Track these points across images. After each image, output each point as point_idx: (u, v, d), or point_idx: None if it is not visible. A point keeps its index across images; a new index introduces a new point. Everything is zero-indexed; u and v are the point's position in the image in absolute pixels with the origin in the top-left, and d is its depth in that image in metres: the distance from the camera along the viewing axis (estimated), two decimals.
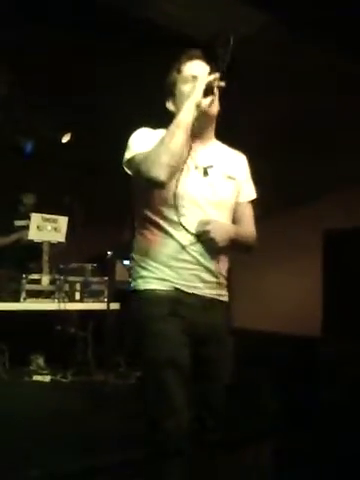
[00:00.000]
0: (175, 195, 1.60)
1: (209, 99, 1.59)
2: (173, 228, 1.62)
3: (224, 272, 1.73)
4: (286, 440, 2.73)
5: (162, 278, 1.62)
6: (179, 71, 1.68)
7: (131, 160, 1.62)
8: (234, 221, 1.77)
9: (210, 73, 1.60)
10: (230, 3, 3.42)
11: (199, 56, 1.69)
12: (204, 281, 1.65)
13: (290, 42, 3.67)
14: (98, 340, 4.08)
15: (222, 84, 1.58)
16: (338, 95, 4.04)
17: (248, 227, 1.79)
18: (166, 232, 1.63)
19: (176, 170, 1.55)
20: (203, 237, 1.62)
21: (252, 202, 1.82)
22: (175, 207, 1.61)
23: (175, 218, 1.62)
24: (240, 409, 2.96)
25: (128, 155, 1.63)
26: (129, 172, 1.64)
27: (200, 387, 1.65)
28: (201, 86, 1.57)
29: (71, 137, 5.24)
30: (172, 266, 1.62)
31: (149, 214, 1.66)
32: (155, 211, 1.64)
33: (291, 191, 4.77)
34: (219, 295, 1.70)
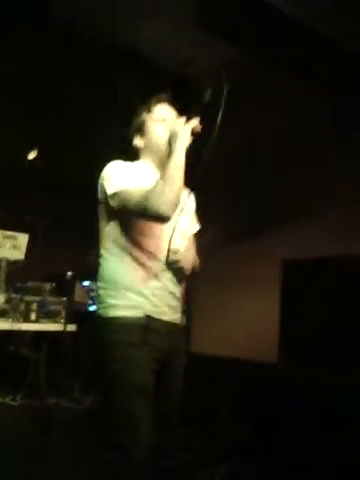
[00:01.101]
0: (151, 227, 1.69)
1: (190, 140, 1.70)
2: (145, 256, 1.69)
3: (183, 296, 1.82)
4: (240, 466, 2.70)
5: (132, 305, 1.66)
6: (149, 111, 1.80)
7: (117, 194, 1.66)
8: None
9: (190, 114, 1.69)
10: (200, 35, 3.53)
11: (167, 100, 1.82)
12: (170, 306, 1.73)
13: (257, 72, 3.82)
14: (52, 362, 3.96)
15: (198, 129, 1.69)
16: (300, 122, 4.20)
17: (194, 254, 1.92)
18: (138, 260, 1.69)
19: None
20: (173, 265, 1.71)
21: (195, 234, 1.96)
22: (149, 237, 1.70)
23: (148, 248, 1.70)
24: (195, 434, 2.92)
25: (113, 189, 1.67)
26: (113, 204, 1.66)
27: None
28: (189, 131, 1.67)
29: (37, 154, 5.20)
30: (142, 293, 1.67)
31: (123, 243, 1.70)
32: (130, 240, 1.70)
33: (251, 220, 4.86)
34: (179, 319, 1.78)
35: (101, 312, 1.70)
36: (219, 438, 3.11)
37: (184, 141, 1.66)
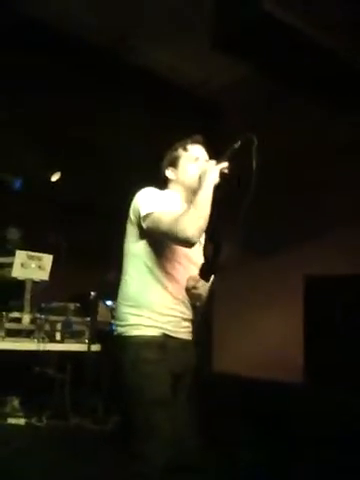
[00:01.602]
0: (179, 255, 1.87)
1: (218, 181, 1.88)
2: (168, 280, 1.85)
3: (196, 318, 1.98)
4: None
5: (152, 325, 1.81)
6: (185, 149, 2.00)
7: (150, 216, 1.81)
8: None
9: (218, 162, 1.87)
10: (214, 54, 3.59)
11: (202, 141, 2.02)
12: (184, 327, 1.90)
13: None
14: (76, 383, 3.98)
15: (226, 171, 1.87)
16: (320, 141, 4.20)
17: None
18: (162, 284, 1.84)
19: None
20: (192, 291, 1.87)
21: None
22: (173, 263, 1.86)
23: (171, 272, 1.86)
24: (217, 458, 2.89)
25: (147, 210, 1.82)
26: (145, 225, 1.82)
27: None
28: (217, 170, 1.85)
29: (61, 176, 5.31)
30: (163, 314, 1.83)
31: (148, 265, 1.85)
32: (155, 264, 1.85)
33: (274, 238, 4.85)
34: (191, 337, 1.96)
35: (122, 330, 1.84)
36: (238, 460, 3.08)
37: (212, 179, 1.82)
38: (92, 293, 4.39)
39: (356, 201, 4.22)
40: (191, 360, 1.95)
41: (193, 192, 1.87)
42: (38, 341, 3.95)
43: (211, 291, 2.00)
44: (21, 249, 4.30)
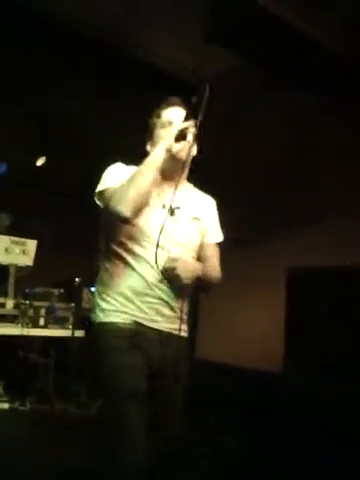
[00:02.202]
0: (143, 232, 1.67)
1: (181, 144, 1.65)
2: (138, 263, 1.67)
3: (185, 308, 1.75)
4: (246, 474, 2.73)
5: (122, 311, 1.66)
6: (158, 116, 1.78)
7: (102, 193, 1.68)
8: (200, 260, 1.83)
9: (185, 120, 1.66)
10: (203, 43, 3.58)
11: (178, 103, 1.77)
12: (163, 315, 1.70)
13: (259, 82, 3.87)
14: (60, 368, 4.01)
15: (194, 131, 1.63)
16: (303, 132, 4.24)
17: (212, 267, 1.84)
18: (130, 266, 1.68)
19: (141, 207, 1.62)
20: (168, 273, 1.65)
21: (219, 244, 1.89)
22: (141, 243, 1.67)
23: (140, 253, 1.67)
24: (200, 445, 2.96)
25: (100, 188, 1.69)
26: (100, 204, 1.70)
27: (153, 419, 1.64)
28: (173, 131, 1.65)
29: (46, 161, 5.27)
30: (133, 300, 1.66)
31: (115, 247, 1.71)
32: (121, 245, 1.69)
33: (256, 229, 4.91)
34: (177, 329, 1.72)
35: (93, 317, 1.71)
36: (223, 447, 3.15)
37: (166, 141, 1.64)
38: (77, 279, 4.40)
39: (340, 193, 4.28)
40: (178, 355, 1.72)
41: (174, 164, 1.68)
42: (22, 326, 3.96)
43: (199, 273, 1.74)
44: (7, 235, 4.27)
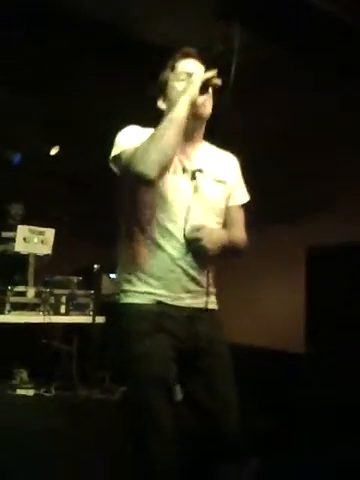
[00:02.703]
0: (163, 199, 1.52)
1: (204, 97, 1.54)
2: (161, 236, 1.53)
3: (211, 280, 1.64)
4: (268, 456, 2.73)
5: (146, 291, 1.54)
6: (173, 68, 1.61)
7: (118, 157, 1.52)
8: (224, 225, 1.70)
9: (206, 71, 1.55)
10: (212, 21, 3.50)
11: (194, 55, 1.62)
12: (189, 291, 1.57)
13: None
14: (83, 354, 4.05)
15: (218, 82, 1.52)
16: (323, 112, 4.14)
17: (238, 232, 1.71)
18: (153, 240, 1.54)
19: (167, 168, 1.46)
20: (194, 244, 1.52)
21: (244, 206, 1.75)
22: (165, 213, 1.53)
23: (163, 224, 1.53)
24: None
25: (115, 151, 1.53)
26: (115, 170, 1.55)
27: (203, 403, 1.57)
28: (198, 82, 1.50)
29: (60, 149, 5.26)
30: (158, 278, 1.54)
31: (134, 220, 1.56)
32: (141, 217, 1.55)
33: (276, 208, 4.84)
34: (206, 303, 1.60)
35: (117, 297, 1.60)
36: (246, 428, 3.15)
37: (189, 94, 1.48)
38: (95, 266, 4.41)
39: (357, 169, 4.19)
40: (210, 331, 1.60)
41: (193, 121, 1.54)
42: (43, 314, 4.00)
43: (238, 242, 1.66)
44: (24, 224, 4.30)
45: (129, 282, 1.56)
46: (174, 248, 1.53)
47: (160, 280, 1.53)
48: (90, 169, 5.27)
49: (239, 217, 1.73)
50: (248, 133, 4.47)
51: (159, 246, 1.53)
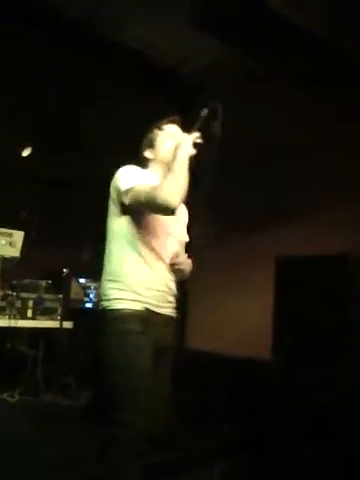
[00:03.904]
0: (160, 230, 1.91)
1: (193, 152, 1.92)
2: (151, 255, 1.89)
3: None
4: (234, 462, 2.75)
5: (136, 299, 1.85)
6: (160, 129, 2.06)
7: (131, 189, 1.84)
8: None
9: (191, 132, 1.92)
10: (195, 32, 3.55)
11: (177, 121, 2.06)
12: (168, 302, 1.96)
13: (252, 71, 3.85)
14: (48, 359, 3.99)
15: (200, 141, 1.92)
16: (293, 123, 4.24)
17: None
18: (145, 258, 1.88)
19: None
20: (175, 267, 1.93)
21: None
22: (156, 238, 1.91)
23: (155, 246, 1.90)
24: (189, 429, 2.96)
25: (127, 185, 1.86)
26: (126, 200, 1.85)
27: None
28: (190, 141, 1.90)
29: (32, 151, 5.20)
30: (146, 288, 1.87)
31: (131, 240, 1.89)
32: (138, 238, 1.89)
33: (246, 218, 4.90)
34: (174, 312, 2.01)
35: (106, 304, 1.87)
36: (213, 434, 3.16)
37: (186, 149, 1.86)
38: (65, 270, 4.37)
39: (330, 184, 4.29)
40: (170, 336, 2.00)
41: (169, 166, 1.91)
42: (9, 318, 3.93)
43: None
44: None
45: (121, 290, 1.86)
46: (162, 268, 1.92)
47: (149, 291, 1.88)
48: (62, 173, 5.23)
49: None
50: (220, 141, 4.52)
51: (148, 263, 1.89)
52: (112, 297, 1.88)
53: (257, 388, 3.98)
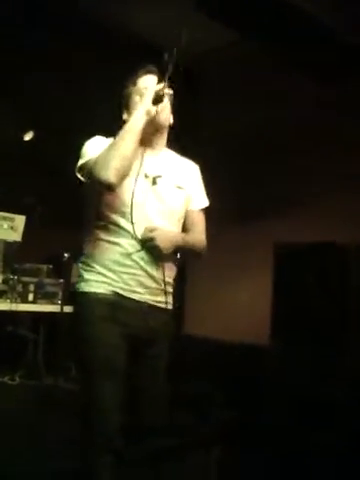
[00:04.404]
0: (123, 203, 1.66)
1: (159, 106, 1.67)
2: (119, 234, 1.67)
3: (170, 279, 1.75)
4: (234, 448, 2.79)
5: (103, 281, 1.65)
6: (134, 84, 1.77)
7: (84, 166, 1.67)
8: (184, 228, 1.84)
9: (158, 82, 1.70)
10: (201, 18, 3.51)
11: (154, 71, 1.76)
12: (145, 287, 1.69)
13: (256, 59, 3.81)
14: (50, 343, 4.03)
15: (170, 92, 1.68)
16: (296, 111, 4.21)
17: (198, 235, 1.84)
18: (112, 237, 1.67)
19: (125, 174, 1.61)
20: (147, 244, 1.66)
21: (204, 210, 1.88)
22: (123, 214, 1.66)
23: (122, 225, 1.67)
24: (186, 415, 3.00)
25: (81, 161, 1.68)
26: (82, 178, 1.68)
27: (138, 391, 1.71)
28: (150, 94, 1.67)
29: (34, 136, 5.17)
30: (115, 270, 1.65)
31: (97, 219, 1.70)
32: (103, 217, 1.69)
33: (245, 204, 4.90)
34: (160, 302, 1.73)
35: (76, 286, 1.72)
36: (211, 420, 3.21)
37: (144, 105, 1.65)
38: (65, 254, 4.38)
39: (326, 170, 4.28)
40: (161, 328, 1.73)
41: (154, 130, 1.71)
42: (10, 301, 3.96)
43: (198, 245, 1.82)
44: None
45: (88, 272, 1.69)
46: (129, 245, 1.66)
47: (115, 273, 1.66)
48: (62, 157, 5.20)
49: (198, 221, 1.86)
50: (220, 129, 4.51)
51: (114, 242, 1.67)
52: (81, 278, 1.70)
53: (255, 374, 4.04)
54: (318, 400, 3.40)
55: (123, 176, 1.60)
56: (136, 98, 1.74)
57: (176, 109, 1.76)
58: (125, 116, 1.77)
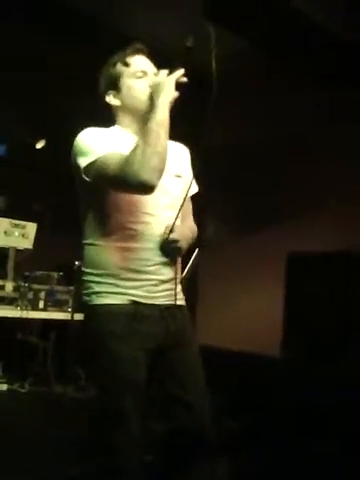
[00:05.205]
0: (133, 202, 1.50)
1: (176, 95, 1.50)
2: (132, 238, 1.51)
3: (179, 276, 1.62)
4: (242, 459, 2.75)
5: (118, 292, 1.51)
6: (126, 64, 1.58)
7: (92, 165, 1.45)
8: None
9: (171, 70, 1.51)
10: (207, 24, 3.51)
11: (144, 51, 1.61)
12: (162, 290, 1.56)
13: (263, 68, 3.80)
14: (59, 351, 4.02)
15: (185, 80, 1.50)
16: (308, 120, 4.19)
17: (192, 222, 1.75)
18: (126, 242, 1.52)
19: (163, 173, 1.45)
20: (168, 246, 1.52)
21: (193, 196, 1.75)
22: (137, 216, 1.51)
23: (136, 227, 1.51)
24: None
25: (88, 160, 1.46)
26: (87, 178, 1.48)
27: (172, 396, 1.56)
28: (173, 82, 1.48)
29: (46, 144, 5.22)
30: (130, 278, 1.51)
31: (105, 223, 1.53)
32: (113, 220, 1.52)
33: (258, 214, 4.87)
34: (175, 300, 1.58)
35: (86, 299, 1.55)
36: (221, 430, 3.16)
37: (168, 94, 1.46)
38: (76, 262, 4.38)
39: (339, 179, 4.24)
40: (177, 328, 1.57)
41: (145, 118, 1.47)
42: (21, 309, 3.96)
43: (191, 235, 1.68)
44: (6, 217, 4.26)
45: (100, 283, 1.53)
46: (146, 250, 1.52)
47: (130, 281, 1.52)
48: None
49: (190, 207, 1.75)
50: (231, 140, 4.49)
51: (128, 248, 1.51)
52: (92, 290, 1.53)
53: (266, 384, 3.98)
54: (329, 410, 3.34)
55: (162, 176, 1.44)
56: (133, 82, 1.56)
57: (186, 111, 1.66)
58: (112, 99, 1.59)
